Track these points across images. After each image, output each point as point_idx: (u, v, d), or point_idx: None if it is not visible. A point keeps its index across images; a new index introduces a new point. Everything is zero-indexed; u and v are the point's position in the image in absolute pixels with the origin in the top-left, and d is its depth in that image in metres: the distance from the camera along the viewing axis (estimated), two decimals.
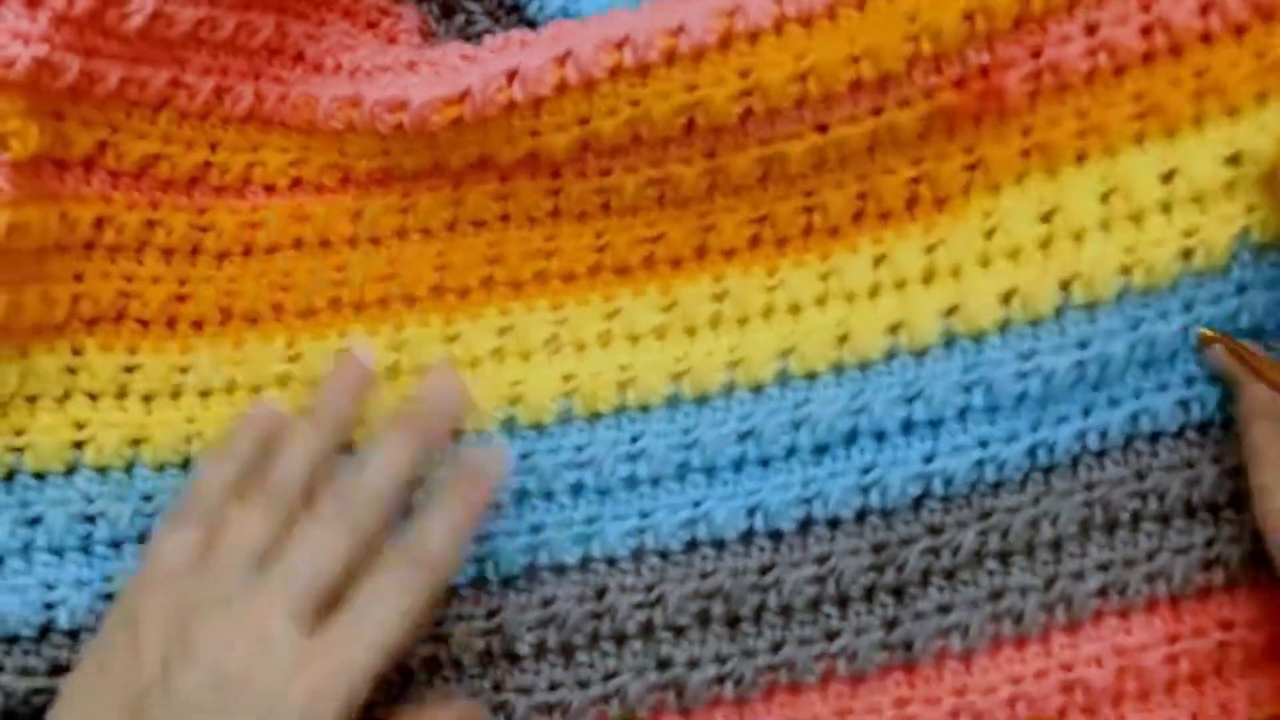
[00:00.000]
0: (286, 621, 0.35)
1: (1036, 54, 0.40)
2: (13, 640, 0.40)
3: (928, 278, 0.42)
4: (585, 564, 0.42)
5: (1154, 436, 0.41)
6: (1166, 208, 0.40)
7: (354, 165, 0.44)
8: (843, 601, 0.41)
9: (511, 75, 0.40)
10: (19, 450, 0.42)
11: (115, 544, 0.42)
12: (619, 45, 0.40)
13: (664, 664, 0.41)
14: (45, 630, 0.41)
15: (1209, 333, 0.39)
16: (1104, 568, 0.41)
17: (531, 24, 0.44)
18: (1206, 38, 0.39)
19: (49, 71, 0.39)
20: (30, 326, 0.42)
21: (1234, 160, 0.40)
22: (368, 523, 0.37)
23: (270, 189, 0.45)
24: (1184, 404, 0.41)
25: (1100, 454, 0.41)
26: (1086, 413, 0.41)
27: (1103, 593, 0.41)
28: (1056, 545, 0.41)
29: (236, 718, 0.34)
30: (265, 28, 0.43)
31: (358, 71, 0.44)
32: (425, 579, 0.36)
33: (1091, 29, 0.39)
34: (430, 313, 0.44)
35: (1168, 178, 0.40)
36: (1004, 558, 0.41)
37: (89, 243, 0.43)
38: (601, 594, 0.41)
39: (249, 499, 0.37)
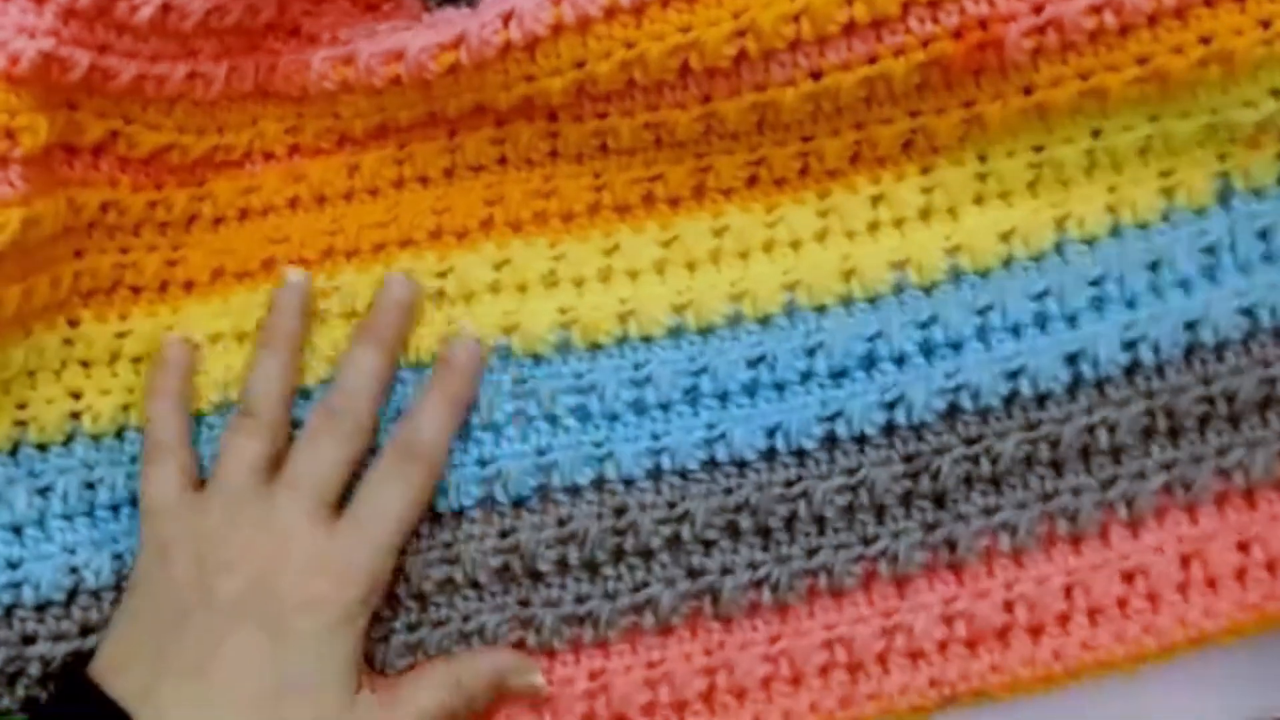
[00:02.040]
0: (304, 519, 0.40)
1: (1038, 9, 0.40)
2: (43, 607, 0.41)
3: (925, 215, 0.44)
4: (600, 485, 0.43)
5: (1218, 347, 0.42)
6: (1143, 153, 0.43)
7: (350, 125, 0.44)
8: (879, 509, 0.42)
9: (507, 18, 0.41)
10: (23, 424, 0.42)
11: (114, 508, 0.43)
12: None
13: (695, 573, 0.42)
14: (73, 594, 0.41)
15: None
16: (1168, 466, 0.42)
17: None
18: (1209, 1, 0.40)
19: (58, 66, 0.38)
20: (38, 310, 0.42)
21: (1211, 126, 0.42)
22: (355, 424, 0.41)
23: (269, 156, 0.45)
24: (1247, 312, 0.42)
25: (1159, 366, 0.42)
26: (1128, 327, 0.42)
27: (1167, 489, 0.42)
28: (1116, 452, 0.42)
29: (264, 617, 0.38)
30: (267, 9, 0.42)
31: (353, 42, 0.43)
32: (418, 471, 0.41)
33: None
34: (426, 251, 0.45)
35: (1149, 136, 0.43)
36: (1056, 466, 0.42)
37: (92, 223, 0.42)
38: (621, 512, 0.43)
39: (233, 425, 0.42)
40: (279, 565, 0.39)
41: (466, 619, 0.42)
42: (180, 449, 0.42)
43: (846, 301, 0.44)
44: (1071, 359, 0.42)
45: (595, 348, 0.44)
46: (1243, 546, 0.42)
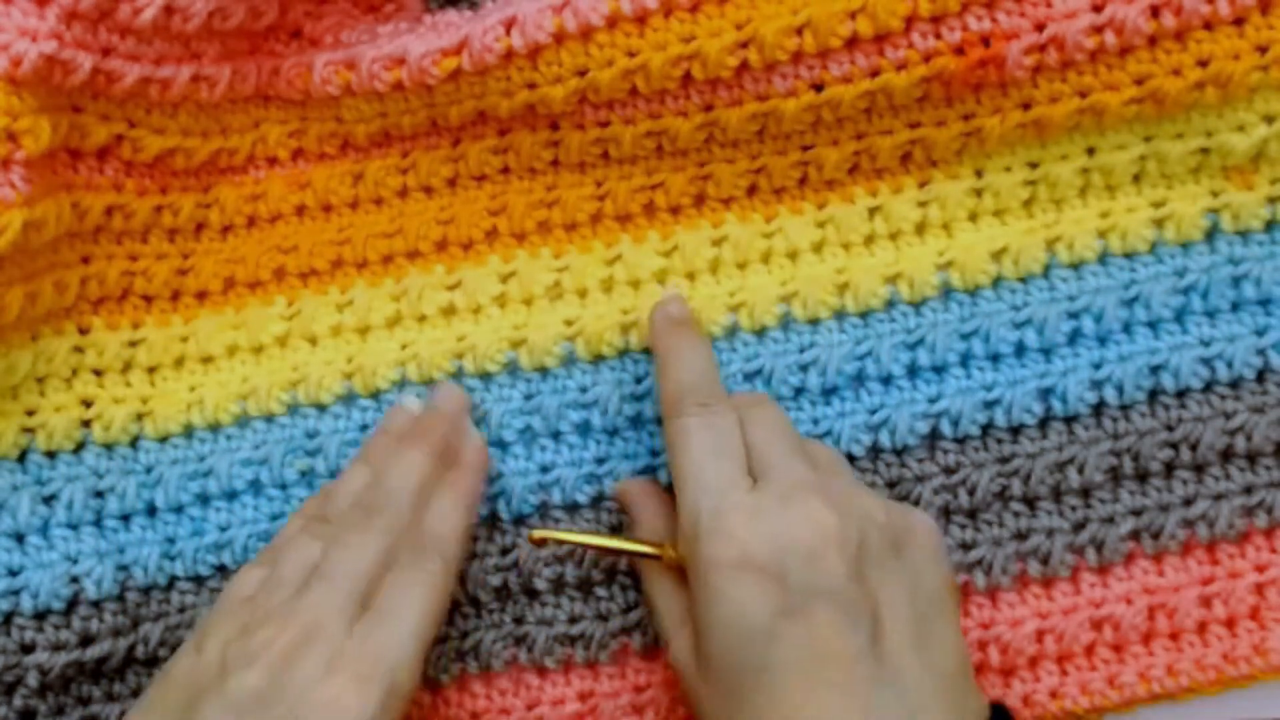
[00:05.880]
0: (332, 612, 0.37)
1: (1040, 27, 0.40)
2: (43, 616, 0.41)
3: (920, 230, 0.43)
4: (598, 502, 0.43)
5: (1180, 393, 0.42)
6: (1137, 179, 0.43)
7: (353, 130, 0.44)
8: None
9: (509, 25, 0.40)
10: (30, 430, 0.42)
11: (124, 517, 0.43)
12: None
13: None
14: (73, 603, 0.41)
15: (536, 536, 0.40)
16: (1136, 513, 0.42)
17: None
18: (1209, 25, 0.40)
19: (60, 69, 0.38)
20: (44, 314, 0.42)
21: (1204, 150, 0.42)
22: (391, 521, 0.39)
23: (273, 161, 0.45)
24: (1206, 362, 0.42)
25: (1124, 407, 0.42)
26: (1097, 366, 0.42)
27: (1135, 536, 0.42)
28: (1085, 492, 0.42)
29: (275, 712, 0.35)
30: (270, 11, 0.42)
31: (355, 45, 0.43)
32: (434, 566, 0.38)
33: (1098, 6, 0.39)
34: (434, 264, 0.45)
35: (1143, 156, 0.43)
36: (1029, 502, 0.42)
37: (98, 228, 0.42)
38: (615, 530, 0.42)
39: (309, 528, 0.40)
40: (300, 656, 0.36)
41: (464, 636, 0.42)
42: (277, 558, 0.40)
43: (840, 315, 0.43)
44: (1044, 394, 0.42)
45: (599, 359, 0.44)
46: (1205, 602, 0.42)
